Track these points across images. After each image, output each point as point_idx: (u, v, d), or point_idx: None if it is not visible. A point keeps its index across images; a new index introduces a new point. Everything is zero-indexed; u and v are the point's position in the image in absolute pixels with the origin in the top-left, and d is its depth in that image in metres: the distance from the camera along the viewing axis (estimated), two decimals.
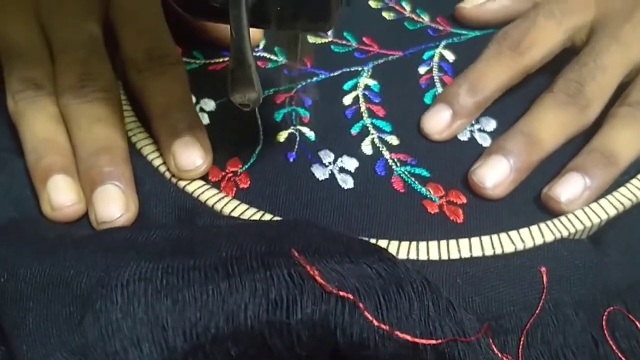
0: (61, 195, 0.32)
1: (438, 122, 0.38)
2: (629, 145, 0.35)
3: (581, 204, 0.33)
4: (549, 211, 0.34)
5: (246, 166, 0.36)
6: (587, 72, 0.36)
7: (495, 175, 0.34)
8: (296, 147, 0.37)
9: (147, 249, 0.25)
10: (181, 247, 0.25)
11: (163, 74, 0.36)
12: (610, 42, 0.37)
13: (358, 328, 0.22)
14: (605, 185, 0.34)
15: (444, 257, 0.31)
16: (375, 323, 0.22)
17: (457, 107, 0.38)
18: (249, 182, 0.35)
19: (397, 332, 0.22)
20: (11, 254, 0.27)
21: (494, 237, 0.32)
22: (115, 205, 0.32)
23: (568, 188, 0.33)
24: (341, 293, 0.22)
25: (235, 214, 0.32)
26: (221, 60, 0.42)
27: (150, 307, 0.21)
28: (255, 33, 0.43)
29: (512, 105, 0.39)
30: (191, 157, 0.33)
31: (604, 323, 0.29)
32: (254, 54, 0.39)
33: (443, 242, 0.31)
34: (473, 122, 0.39)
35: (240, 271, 0.22)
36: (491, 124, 0.39)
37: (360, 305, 0.22)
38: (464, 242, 0.31)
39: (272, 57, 0.43)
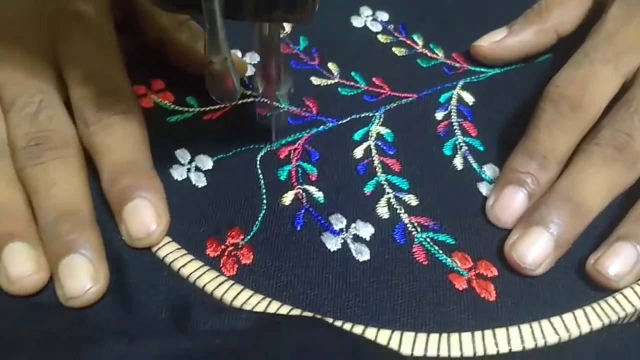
0: (19, 265, 0.29)
1: (512, 209, 0.32)
2: None
3: (632, 279, 0.29)
4: (594, 284, 0.30)
5: (248, 237, 0.32)
6: (639, 121, 0.32)
7: (536, 250, 0.30)
8: (303, 211, 0.33)
9: None
10: None
11: (110, 129, 0.32)
12: None
13: None
14: None
15: (479, 352, 0.27)
16: None
17: (533, 187, 0.32)
18: (252, 257, 0.31)
19: None
20: None
21: (535, 325, 0.28)
22: (81, 278, 0.28)
23: (618, 260, 0.29)
24: None
25: (237, 302, 0.28)
26: (218, 107, 0.38)
27: None
28: (240, 65, 0.40)
29: None
30: (144, 223, 0.30)
31: None
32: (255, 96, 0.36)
33: (477, 334, 0.27)
34: (492, 172, 0.35)
35: None
36: None
37: None
38: (501, 332, 0.27)
39: (274, 103, 0.39)
